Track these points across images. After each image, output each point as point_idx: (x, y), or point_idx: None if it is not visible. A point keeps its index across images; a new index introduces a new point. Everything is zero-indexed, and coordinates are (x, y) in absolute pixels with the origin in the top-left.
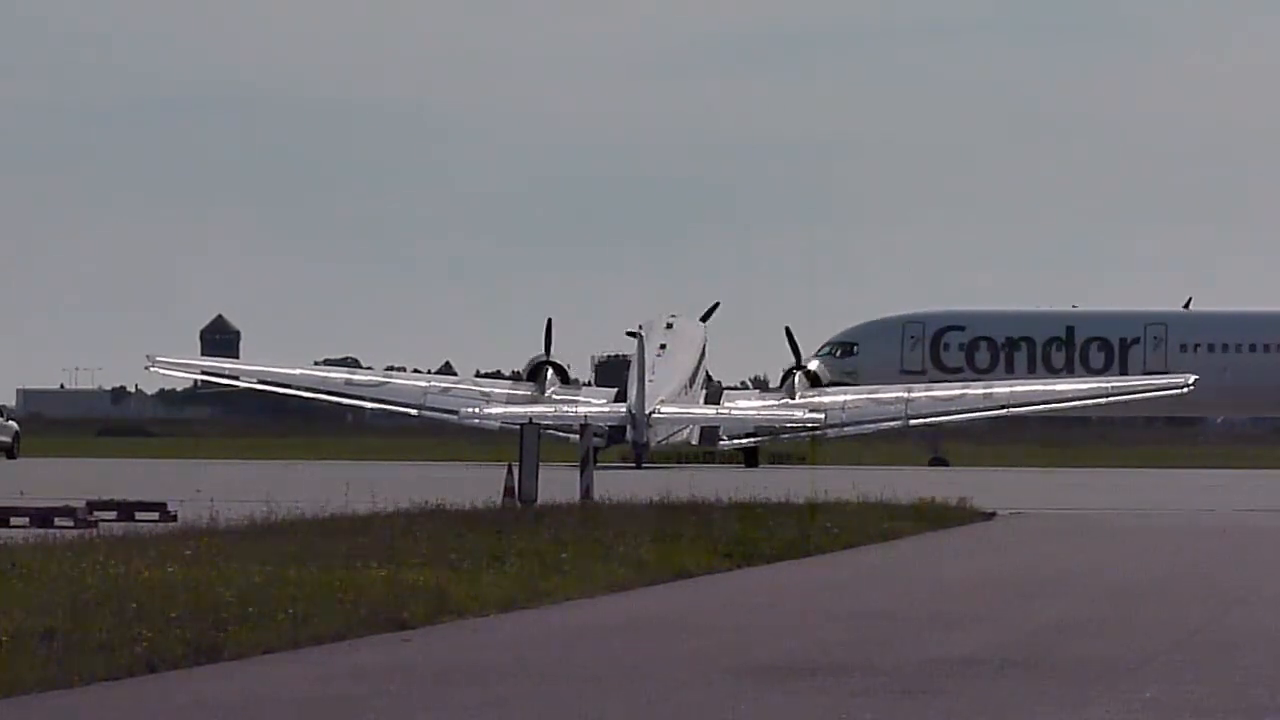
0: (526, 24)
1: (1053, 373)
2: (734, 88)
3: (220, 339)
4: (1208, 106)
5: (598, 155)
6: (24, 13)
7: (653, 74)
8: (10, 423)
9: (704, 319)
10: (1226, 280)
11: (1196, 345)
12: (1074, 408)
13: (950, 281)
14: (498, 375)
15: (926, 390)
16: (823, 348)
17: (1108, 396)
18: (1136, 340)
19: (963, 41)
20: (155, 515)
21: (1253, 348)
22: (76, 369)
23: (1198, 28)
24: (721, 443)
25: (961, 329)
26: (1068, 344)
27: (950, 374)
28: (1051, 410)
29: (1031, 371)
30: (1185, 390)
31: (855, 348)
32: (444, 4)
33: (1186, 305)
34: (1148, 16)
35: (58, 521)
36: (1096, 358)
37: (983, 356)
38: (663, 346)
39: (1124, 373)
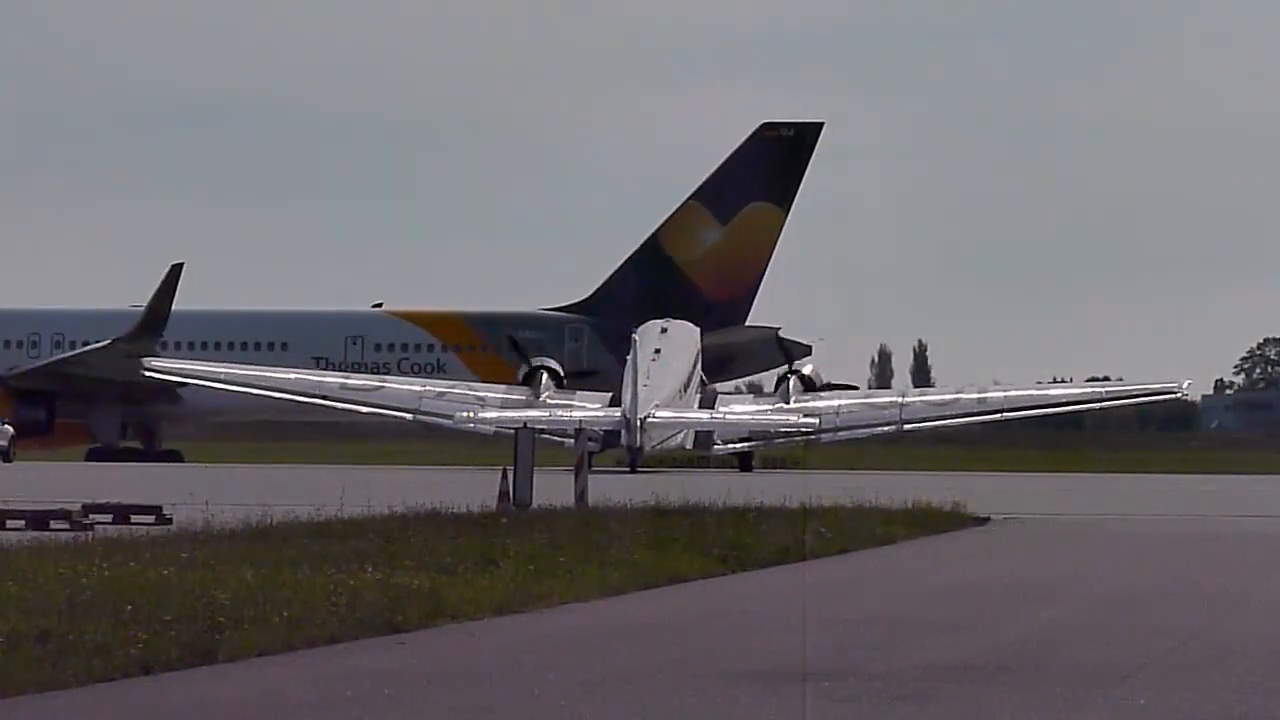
0: (525, 23)
1: None
2: (733, 87)
3: None
4: None
5: (594, 155)
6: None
7: (652, 73)
8: (6, 426)
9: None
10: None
11: None
12: (1067, 412)
13: None
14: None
15: (921, 395)
16: None
17: (1102, 401)
18: None
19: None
20: (150, 518)
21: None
22: None
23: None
24: (716, 447)
25: None
26: None
27: None
28: (1045, 414)
29: None
30: (1180, 395)
31: None
32: (439, 4)
33: None
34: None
35: (54, 524)
36: None
37: None
38: (657, 351)
39: None
